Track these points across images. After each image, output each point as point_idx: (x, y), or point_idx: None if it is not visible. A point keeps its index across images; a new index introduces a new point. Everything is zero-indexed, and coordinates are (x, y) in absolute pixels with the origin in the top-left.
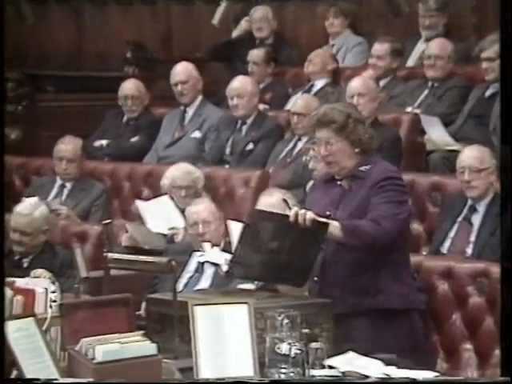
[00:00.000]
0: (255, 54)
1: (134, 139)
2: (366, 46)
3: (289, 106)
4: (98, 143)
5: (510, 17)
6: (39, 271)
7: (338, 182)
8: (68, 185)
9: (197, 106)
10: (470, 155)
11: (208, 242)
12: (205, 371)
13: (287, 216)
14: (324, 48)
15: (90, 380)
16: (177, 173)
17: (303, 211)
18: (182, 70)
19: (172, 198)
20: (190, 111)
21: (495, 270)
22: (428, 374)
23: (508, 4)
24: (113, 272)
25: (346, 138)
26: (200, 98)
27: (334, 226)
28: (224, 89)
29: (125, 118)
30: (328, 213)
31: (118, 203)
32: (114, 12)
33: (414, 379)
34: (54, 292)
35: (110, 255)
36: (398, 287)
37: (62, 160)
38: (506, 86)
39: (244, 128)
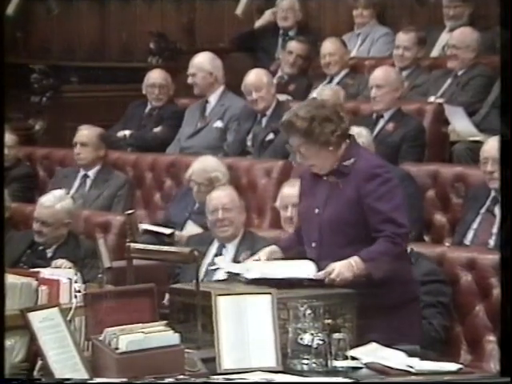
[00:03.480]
0: (296, 46)
1: (157, 129)
2: (393, 36)
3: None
4: (120, 133)
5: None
6: (60, 261)
7: (324, 178)
8: (91, 175)
9: (219, 96)
10: (494, 146)
11: (226, 227)
12: (227, 362)
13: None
14: (334, 38)
15: (98, 380)
16: (196, 167)
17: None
18: (198, 61)
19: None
20: (212, 101)
21: None
22: (451, 366)
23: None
24: (136, 262)
25: (314, 141)
26: (222, 88)
27: (356, 262)
28: None
29: (147, 109)
30: (317, 210)
31: (141, 193)
32: (137, 3)
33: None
34: (77, 282)
35: (133, 245)
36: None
37: (76, 145)
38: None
39: (264, 120)
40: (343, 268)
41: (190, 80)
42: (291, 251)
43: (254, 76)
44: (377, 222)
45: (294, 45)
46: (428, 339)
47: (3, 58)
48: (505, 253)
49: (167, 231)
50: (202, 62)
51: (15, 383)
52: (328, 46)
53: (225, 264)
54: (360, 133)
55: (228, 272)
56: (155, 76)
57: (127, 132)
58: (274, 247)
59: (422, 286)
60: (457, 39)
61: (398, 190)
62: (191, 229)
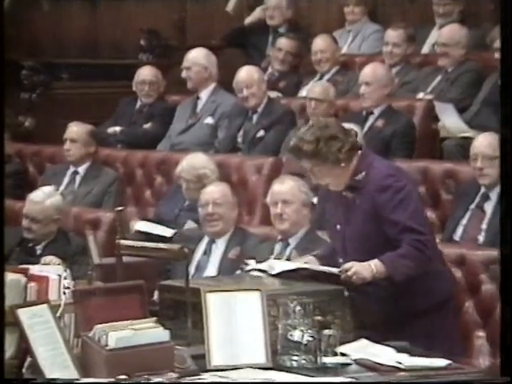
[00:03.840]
0: (286, 43)
1: (147, 126)
2: (383, 33)
3: (303, 94)
4: (111, 130)
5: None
6: (49, 258)
7: (343, 193)
8: (81, 171)
9: (210, 93)
10: (484, 142)
11: (215, 222)
12: (217, 358)
13: (338, 276)
14: (325, 35)
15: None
16: (185, 164)
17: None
18: (193, 56)
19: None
20: (203, 98)
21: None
22: (440, 362)
23: None
24: (125, 259)
25: (324, 161)
26: (213, 84)
27: (376, 265)
28: None
29: (138, 105)
30: (338, 227)
31: (131, 190)
32: (129, 0)
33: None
34: (66, 279)
35: (123, 242)
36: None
37: (66, 141)
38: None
39: (255, 116)
40: (361, 268)
41: (184, 74)
42: (327, 261)
43: (245, 73)
44: (395, 232)
45: (283, 42)
46: None
47: (3, 57)
48: (505, 250)
49: (168, 233)
50: (198, 56)
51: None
52: (319, 42)
53: (253, 264)
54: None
55: (255, 269)
56: (145, 73)
57: (118, 128)
58: (311, 257)
59: None
60: (446, 37)
61: (411, 195)
62: (190, 227)
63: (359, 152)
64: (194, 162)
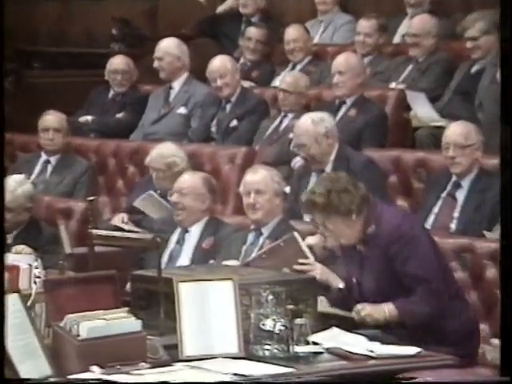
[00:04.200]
0: (255, 32)
1: (120, 115)
2: (355, 23)
3: (276, 83)
4: (83, 119)
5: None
6: (20, 247)
7: (357, 247)
8: (52, 160)
9: (182, 83)
10: (456, 131)
11: (179, 211)
12: (189, 348)
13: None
14: (297, 25)
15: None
16: (154, 153)
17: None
18: (162, 47)
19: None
20: (176, 87)
21: (479, 245)
22: (411, 350)
23: None
24: (98, 249)
25: (335, 212)
26: (186, 74)
27: (389, 309)
28: None
29: (110, 94)
30: (354, 280)
31: (104, 180)
32: None
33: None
34: (37, 268)
35: (95, 232)
36: None
37: (49, 130)
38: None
39: (228, 106)
40: (374, 310)
41: (156, 64)
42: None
43: (219, 62)
44: (408, 283)
45: (252, 31)
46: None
47: (3, 55)
48: (505, 242)
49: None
50: (170, 46)
51: (15, 383)
52: (291, 32)
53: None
54: (322, 118)
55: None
56: (117, 62)
57: (89, 117)
58: (322, 298)
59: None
60: (416, 27)
61: (421, 241)
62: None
63: (368, 204)
64: (163, 151)
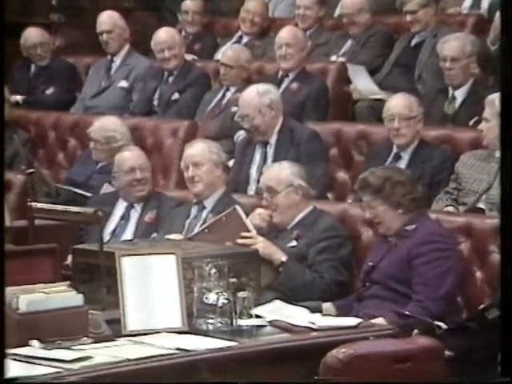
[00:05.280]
0: (190, 4)
1: (50, 91)
2: None
3: (218, 57)
4: (12, 98)
5: None
6: None
7: (389, 238)
8: None
9: (123, 56)
10: (400, 103)
11: (143, 186)
12: (132, 323)
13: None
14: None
15: None
16: (96, 125)
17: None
18: (108, 20)
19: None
20: (117, 61)
21: None
22: (351, 321)
23: None
24: (38, 222)
25: (384, 200)
26: (127, 47)
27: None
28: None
29: (33, 69)
30: (370, 263)
31: (43, 153)
32: None
33: None
34: None
35: (35, 205)
36: None
37: None
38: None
39: (171, 79)
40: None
41: (104, 37)
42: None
43: (167, 34)
44: (416, 282)
45: (188, 3)
46: (319, 293)
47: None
48: (505, 218)
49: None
50: (116, 18)
51: (16, 382)
52: (253, 4)
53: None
54: (268, 90)
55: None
56: (33, 35)
57: (19, 97)
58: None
59: (322, 241)
60: (347, 6)
61: (449, 260)
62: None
63: (418, 207)
64: (104, 124)
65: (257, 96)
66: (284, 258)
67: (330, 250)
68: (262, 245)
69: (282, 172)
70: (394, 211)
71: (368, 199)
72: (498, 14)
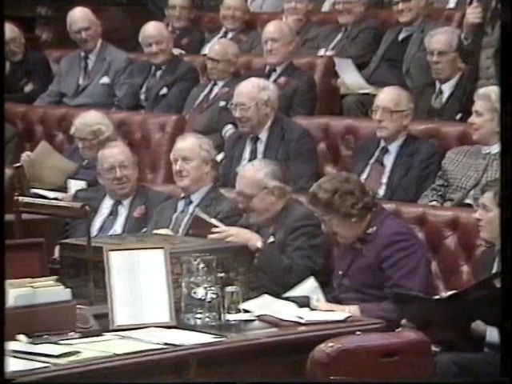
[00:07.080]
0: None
1: (28, 88)
2: None
3: (205, 51)
4: None
5: None
6: None
7: (353, 245)
8: None
9: (98, 51)
10: (387, 96)
11: (124, 184)
12: (120, 318)
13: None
14: None
15: None
16: (78, 123)
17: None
18: (83, 17)
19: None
20: (92, 57)
21: (406, 210)
22: (339, 316)
23: None
24: (25, 216)
25: (336, 212)
26: (100, 42)
27: (354, 310)
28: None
29: (8, 66)
30: (340, 272)
31: (31, 147)
32: None
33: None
34: None
35: (22, 199)
36: None
37: None
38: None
39: (158, 73)
40: (335, 308)
41: (83, 35)
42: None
43: (155, 29)
44: (389, 285)
45: None
46: (297, 278)
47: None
48: (506, 215)
49: (51, 195)
50: (89, 14)
51: (15, 383)
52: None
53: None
54: (268, 86)
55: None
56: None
57: None
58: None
59: (296, 230)
60: None
61: (415, 257)
62: (75, 186)
63: (373, 210)
64: (87, 120)
65: (257, 88)
66: (259, 244)
67: (302, 239)
68: (233, 234)
69: (256, 175)
70: (347, 221)
71: (320, 213)
72: (468, 9)
